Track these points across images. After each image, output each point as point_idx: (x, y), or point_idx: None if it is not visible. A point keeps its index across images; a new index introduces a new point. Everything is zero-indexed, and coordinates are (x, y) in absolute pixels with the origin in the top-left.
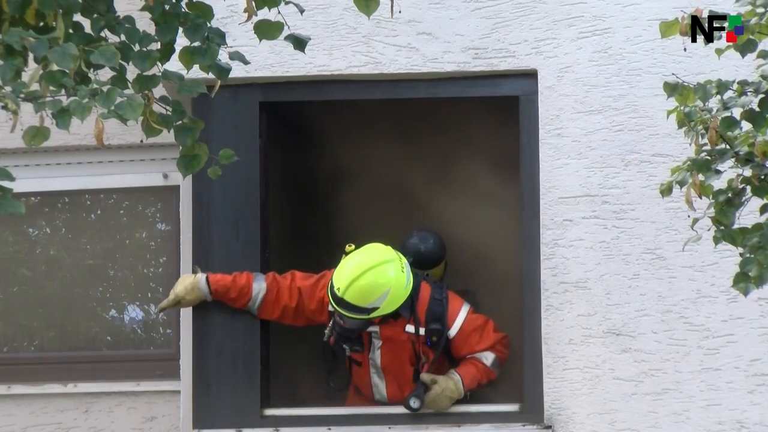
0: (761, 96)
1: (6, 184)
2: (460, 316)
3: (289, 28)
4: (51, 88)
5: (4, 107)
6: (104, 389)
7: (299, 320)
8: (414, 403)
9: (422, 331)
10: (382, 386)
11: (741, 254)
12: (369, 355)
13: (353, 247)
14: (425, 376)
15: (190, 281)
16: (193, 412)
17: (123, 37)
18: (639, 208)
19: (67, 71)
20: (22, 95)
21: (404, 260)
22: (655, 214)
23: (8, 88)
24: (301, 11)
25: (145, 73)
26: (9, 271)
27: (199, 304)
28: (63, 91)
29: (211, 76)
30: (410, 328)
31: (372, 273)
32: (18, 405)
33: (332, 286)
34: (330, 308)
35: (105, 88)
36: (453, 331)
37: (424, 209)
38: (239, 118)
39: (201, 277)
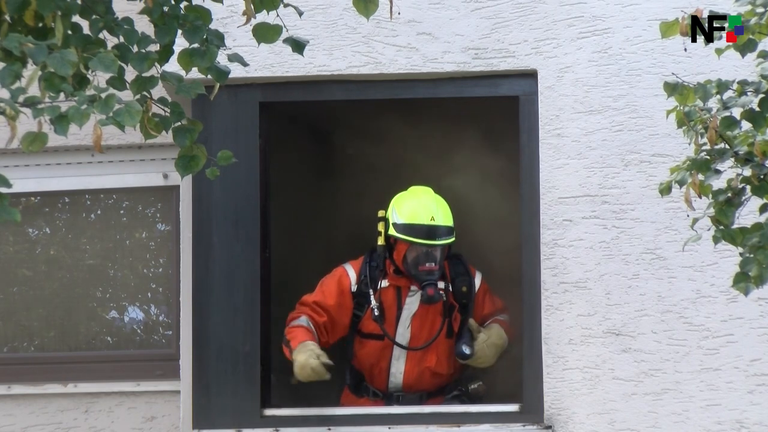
0: (761, 96)
1: (2, 190)
2: (478, 274)
3: (287, 30)
4: (49, 93)
5: (3, 113)
6: (104, 389)
7: (338, 329)
8: (466, 349)
9: (451, 287)
10: (401, 364)
11: (741, 254)
12: (397, 327)
13: (384, 211)
14: (472, 323)
15: (301, 361)
16: (193, 412)
17: (121, 39)
18: (639, 208)
19: (65, 77)
20: (20, 101)
21: None
22: (655, 214)
23: (6, 93)
24: (300, 14)
25: (143, 74)
26: (9, 271)
27: (199, 304)
28: (62, 96)
29: (209, 78)
30: (441, 284)
31: (435, 194)
32: (18, 405)
33: (415, 229)
34: (410, 265)
35: (103, 95)
36: (477, 282)
37: None
38: (239, 118)
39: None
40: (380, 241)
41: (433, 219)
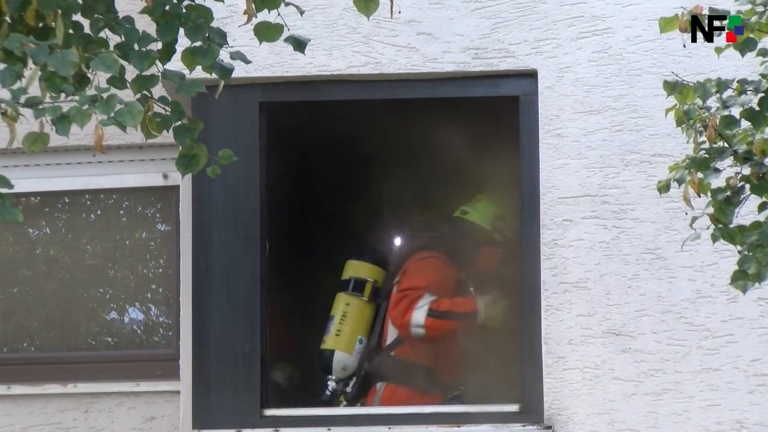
0: (761, 95)
1: (4, 190)
2: None
3: (288, 29)
4: (50, 93)
5: (4, 114)
6: (104, 389)
7: None
8: None
9: None
10: None
11: (740, 252)
12: None
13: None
14: None
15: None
16: (192, 412)
17: (122, 37)
18: (639, 208)
19: (66, 77)
20: (21, 102)
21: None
22: (655, 214)
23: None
24: (301, 13)
25: (144, 73)
26: (9, 271)
27: (199, 304)
28: (63, 96)
29: (213, 76)
30: None
31: None
32: (18, 405)
33: None
34: None
35: (105, 95)
36: None
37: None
38: (239, 118)
39: None
40: None
41: None
